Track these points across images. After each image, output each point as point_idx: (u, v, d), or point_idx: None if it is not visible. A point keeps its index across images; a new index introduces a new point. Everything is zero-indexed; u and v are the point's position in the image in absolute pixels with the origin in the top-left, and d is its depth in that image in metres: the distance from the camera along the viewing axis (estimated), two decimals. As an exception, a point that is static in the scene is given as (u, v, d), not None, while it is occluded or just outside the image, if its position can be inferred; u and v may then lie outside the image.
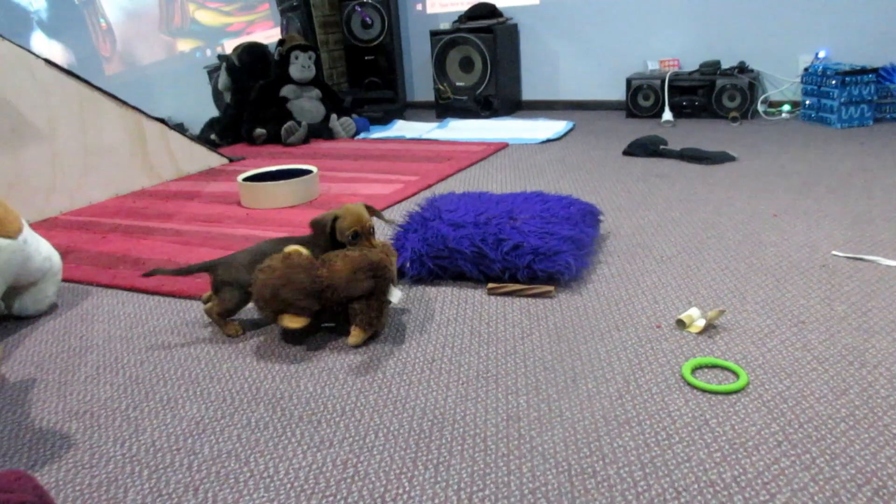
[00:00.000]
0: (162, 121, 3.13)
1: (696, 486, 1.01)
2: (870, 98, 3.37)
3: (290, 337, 1.57)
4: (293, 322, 1.46)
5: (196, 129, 4.21)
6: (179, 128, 4.02)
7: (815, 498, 0.97)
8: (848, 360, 1.32)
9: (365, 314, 1.49)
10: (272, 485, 1.08)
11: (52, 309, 1.82)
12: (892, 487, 0.98)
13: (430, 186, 2.80)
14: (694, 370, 1.32)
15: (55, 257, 1.79)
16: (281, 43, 3.97)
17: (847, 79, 3.31)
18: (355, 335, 1.49)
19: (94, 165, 2.83)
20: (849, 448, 1.07)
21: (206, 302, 1.70)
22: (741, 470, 1.04)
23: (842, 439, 1.09)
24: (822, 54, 3.69)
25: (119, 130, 2.92)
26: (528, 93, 4.61)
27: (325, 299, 1.49)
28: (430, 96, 4.75)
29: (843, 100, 3.35)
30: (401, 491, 1.05)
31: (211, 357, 1.50)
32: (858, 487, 0.99)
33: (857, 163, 2.72)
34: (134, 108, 2.98)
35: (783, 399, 1.21)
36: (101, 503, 1.06)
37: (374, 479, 1.08)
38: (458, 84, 4.38)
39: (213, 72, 4.41)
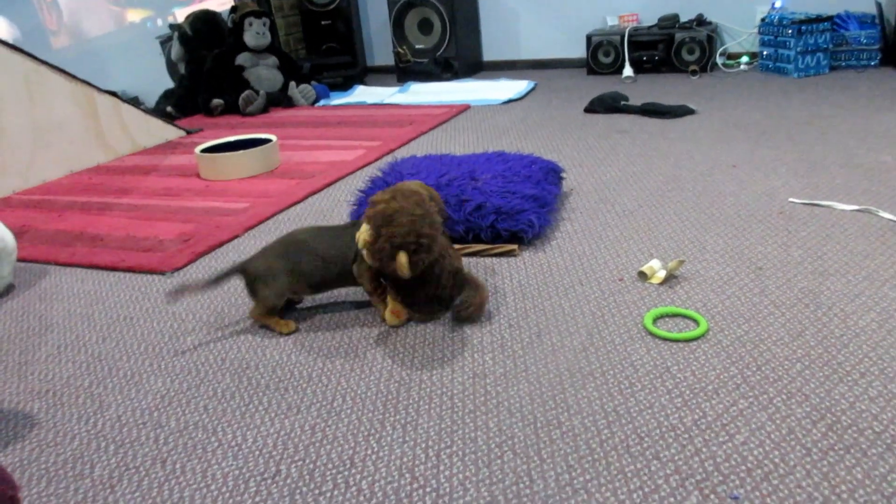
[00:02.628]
0: (114, 94, 3.05)
1: (657, 431, 1.03)
2: (826, 46, 3.40)
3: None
4: (393, 310, 1.40)
5: (151, 102, 4.11)
6: (134, 101, 3.92)
7: (772, 436, 1.00)
8: (804, 302, 1.35)
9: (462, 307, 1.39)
10: (240, 453, 1.08)
11: (9, 290, 1.78)
12: (845, 422, 1.01)
13: (392, 151, 2.77)
14: (655, 320, 1.34)
15: (8, 237, 1.75)
16: (234, 10, 3.87)
17: (803, 28, 3.33)
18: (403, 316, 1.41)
19: (45, 142, 2.75)
20: (804, 387, 1.10)
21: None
22: (701, 413, 1.06)
23: (798, 379, 1.12)
24: (778, 4, 3.70)
25: (69, 105, 2.84)
26: (489, 53, 4.56)
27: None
28: (389, 60, 4.68)
29: (799, 49, 3.37)
30: (369, 452, 1.05)
31: (175, 331, 1.49)
32: (813, 423, 1.02)
33: (814, 111, 2.76)
34: (84, 81, 2.89)
35: (741, 343, 1.24)
36: (68, 480, 1.06)
37: (342, 441, 1.08)
38: (417, 47, 4.32)
39: (165, 42, 4.28)
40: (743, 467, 0.95)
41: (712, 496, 0.90)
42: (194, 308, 1.58)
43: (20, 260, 1.96)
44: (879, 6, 3.43)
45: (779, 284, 1.43)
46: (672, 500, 0.90)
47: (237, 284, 1.67)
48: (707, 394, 1.11)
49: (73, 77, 2.86)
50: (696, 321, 1.32)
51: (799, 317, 1.30)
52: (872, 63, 3.45)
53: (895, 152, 2.18)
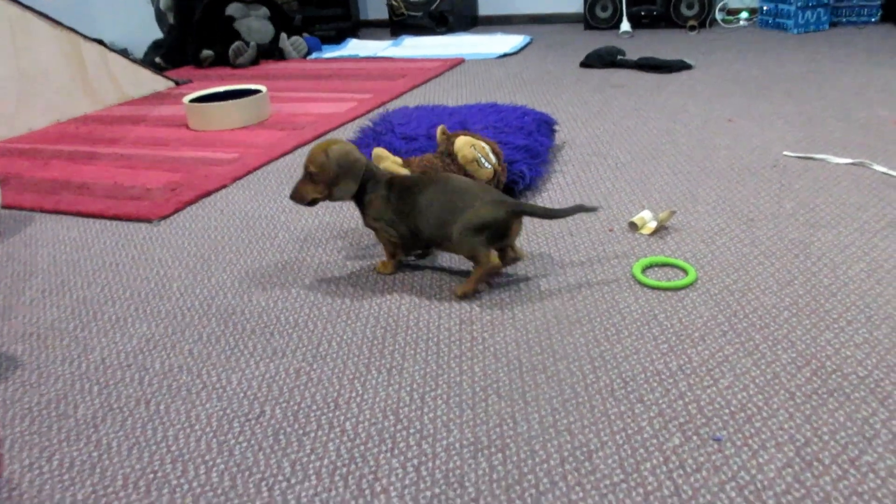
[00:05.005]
0: (101, 42, 2.99)
1: (642, 375, 1.03)
2: (826, 2, 3.35)
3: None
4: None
5: (140, 53, 4.04)
6: (123, 53, 3.85)
7: (757, 380, 1.00)
8: (794, 253, 1.34)
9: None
10: (224, 395, 1.08)
11: (-6, 237, 1.76)
12: (829, 367, 1.01)
13: (384, 104, 2.73)
14: (644, 269, 1.33)
15: (-8, 183, 1.72)
16: (224, -42, 3.77)
17: (804, -17, 3.27)
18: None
19: (31, 91, 2.70)
20: (790, 334, 1.10)
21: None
22: (686, 359, 1.06)
23: (784, 326, 1.12)
24: (779, -42, 3.63)
25: (55, 54, 2.78)
26: (485, 7, 4.48)
27: None
28: (383, 14, 4.60)
29: (799, 4, 3.32)
30: (354, 395, 1.05)
31: (161, 277, 1.47)
32: (798, 369, 1.02)
33: (813, 66, 2.72)
34: (70, 28, 2.83)
35: (730, 292, 1.23)
36: (51, 419, 1.05)
37: (326, 384, 1.08)
38: (411, 0, 4.24)
39: (154, -9, 4.19)
40: (726, 410, 0.95)
41: (694, 437, 0.90)
42: (180, 255, 1.56)
43: (4, 207, 1.93)
44: (882, -39, 3.37)
45: (769, 235, 1.42)
46: (655, 441, 0.90)
47: (225, 230, 1.66)
48: (693, 340, 1.10)
49: (59, 24, 2.79)
50: (684, 270, 1.31)
51: (788, 266, 1.30)
52: (873, 19, 3.40)
53: (892, 107, 2.16)
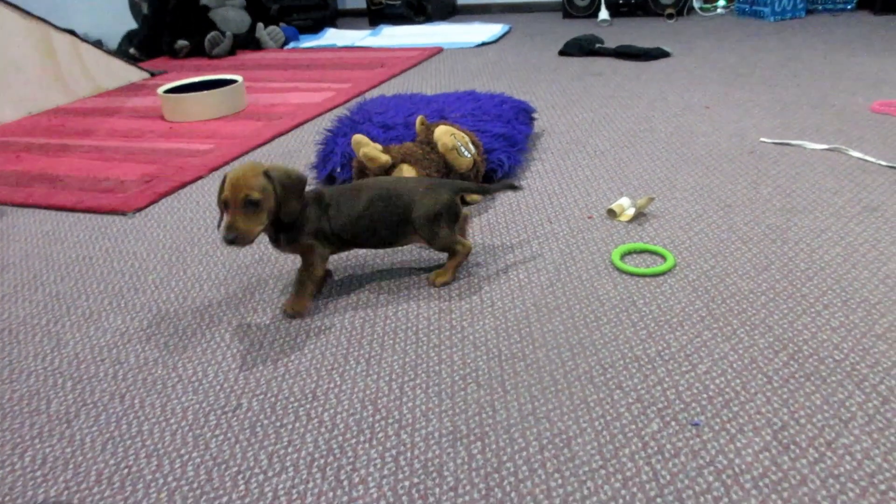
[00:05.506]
0: (72, 32, 2.93)
1: (621, 362, 1.03)
2: (802, -10, 3.37)
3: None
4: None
5: (114, 44, 3.97)
6: (97, 45, 3.78)
7: (735, 365, 1.00)
8: (770, 238, 1.35)
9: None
10: (200, 387, 1.06)
11: (-36, 231, 1.72)
12: (806, 351, 1.02)
13: (362, 93, 2.71)
14: (623, 256, 1.33)
15: (-40, 176, 1.68)
16: (198, -54, 3.71)
17: (780, -30, 3.29)
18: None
19: (1, 83, 2.65)
20: (768, 318, 1.10)
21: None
22: (665, 345, 1.06)
23: (762, 311, 1.12)
24: (756, -54, 3.64)
25: (25, 44, 2.73)
26: (464, -4, 4.46)
27: None
28: (361, 3, 4.56)
29: (776, -8, 3.33)
30: (332, 385, 1.04)
31: (135, 269, 1.45)
32: (775, 353, 1.02)
33: (789, 54, 2.74)
34: (39, 18, 2.77)
35: (708, 278, 1.23)
36: (24, 416, 1.03)
37: (304, 376, 1.07)
38: (390, -12, 4.20)
39: (127, -19, 4.12)
40: (704, 395, 0.95)
41: (673, 423, 0.90)
42: (155, 248, 1.54)
43: (-25, 201, 1.89)
44: (857, -52, 3.39)
45: (746, 221, 1.43)
46: (633, 426, 0.90)
47: (201, 222, 1.64)
48: (671, 326, 1.11)
49: (27, 13, 2.74)
50: (663, 257, 1.32)
51: (765, 252, 1.30)
52: (849, 7, 3.43)
53: (868, 94, 2.17)
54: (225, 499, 0.85)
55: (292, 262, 1.43)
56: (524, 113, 1.99)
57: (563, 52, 3.10)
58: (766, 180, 1.61)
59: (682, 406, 0.93)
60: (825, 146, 1.76)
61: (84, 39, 3.00)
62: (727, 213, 1.46)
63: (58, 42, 2.84)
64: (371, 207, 1.24)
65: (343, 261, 1.41)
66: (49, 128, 2.54)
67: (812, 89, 2.26)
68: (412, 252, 1.42)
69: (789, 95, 2.21)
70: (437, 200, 1.25)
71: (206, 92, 2.47)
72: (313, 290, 1.25)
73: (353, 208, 1.24)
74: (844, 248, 1.29)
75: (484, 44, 3.51)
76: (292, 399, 1.02)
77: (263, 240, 1.50)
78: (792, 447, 0.85)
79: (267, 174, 1.14)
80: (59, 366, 1.15)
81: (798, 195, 1.52)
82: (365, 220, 1.24)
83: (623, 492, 0.81)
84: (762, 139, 1.86)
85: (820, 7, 3.46)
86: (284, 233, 1.21)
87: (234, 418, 0.99)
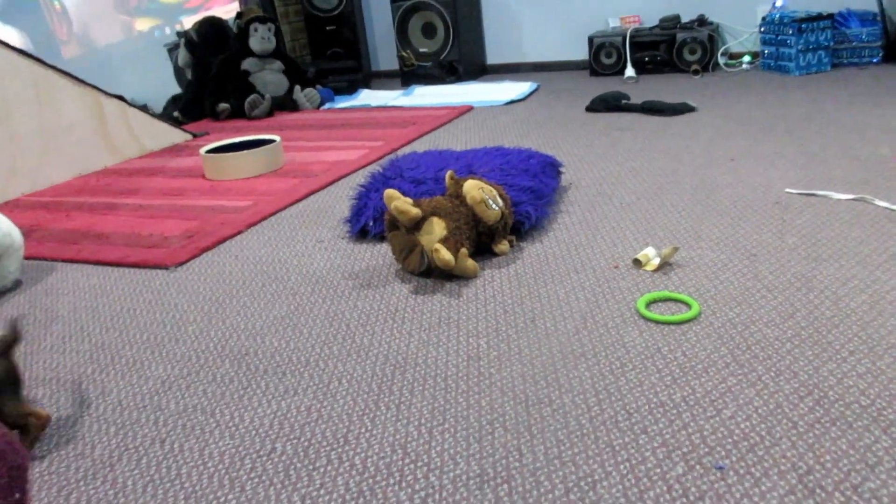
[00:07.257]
0: (121, 98, 3.10)
1: (646, 407, 1.05)
2: (826, 44, 3.41)
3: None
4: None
5: (159, 108, 4.16)
6: (143, 109, 3.97)
7: (759, 410, 1.01)
8: (796, 286, 1.36)
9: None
10: (237, 433, 1.10)
11: (17, 285, 1.81)
12: (832, 397, 1.02)
13: (394, 150, 2.80)
14: (648, 304, 1.36)
15: (15, 233, 1.78)
16: (239, 16, 3.92)
17: (803, 26, 3.34)
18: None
19: (54, 146, 2.80)
20: (793, 365, 1.11)
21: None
22: (690, 391, 1.08)
23: (787, 357, 1.13)
24: (779, 3, 3.71)
25: (77, 109, 2.89)
26: (493, 56, 4.59)
27: None
28: (394, 65, 4.72)
29: (800, 47, 3.38)
30: (363, 430, 1.07)
31: (176, 321, 1.51)
32: (800, 398, 1.03)
33: (814, 107, 2.77)
34: (91, 85, 2.94)
35: (733, 325, 1.25)
36: (69, 459, 1.08)
37: (336, 421, 1.10)
38: (421, 50, 4.36)
39: (173, 50, 4.34)
40: (729, 440, 0.96)
41: (697, 466, 0.91)
42: (196, 299, 1.60)
43: (28, 258, 1.99)
44: (881, 3, 3.44)
45: (772, 270, 1.44)
46: (658, 470, 0.92)
47: (239, 274, 1.70)
48: (696, 372, 1.12)
49: (81, 81, 2.90)
50: (688, 304, 1.34)
51: (791, 300, 1.31)
52: (875, 60, 3.46)
53: (894, 145, 2.19)
54: (259, 538, 0.88)
55: (327, 307, 1.47)
56: (551, 167, 2.04)
57: (589, 109, 3.17)
58: (791, 230, 1.63)
59: (706, 450, 0.94)
60: (851, 196, 1.77)
61: (131, 104, 3.16)
62: (752, 263, 1.48)
63: (108, 107, 3.00)
64: None
65: (374, 308, 1.45)
66: (97, 187, 2.67)
67: (837, 141, 2.28)
68: (442, 300, 1.46)
69: (814, 147, 2.23)
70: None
71: (245, 151, 2.58)
72: None
73: None
74: (870, 295, 1.30)
75: (513, 101, 3.60)
76: (325, 443, 1.05)
77: (294, 296, 1.56)
78: (818, 491, 0.85)
79: None
80: (102, 412, 1.20)
81: (823, 244, 1.53)
82: None
83: (648, 534, 0.82)
84: (787, 190, 1.88)
85: (846, 61, 3.50)
86: None
87: (269, 462, 1.02)
